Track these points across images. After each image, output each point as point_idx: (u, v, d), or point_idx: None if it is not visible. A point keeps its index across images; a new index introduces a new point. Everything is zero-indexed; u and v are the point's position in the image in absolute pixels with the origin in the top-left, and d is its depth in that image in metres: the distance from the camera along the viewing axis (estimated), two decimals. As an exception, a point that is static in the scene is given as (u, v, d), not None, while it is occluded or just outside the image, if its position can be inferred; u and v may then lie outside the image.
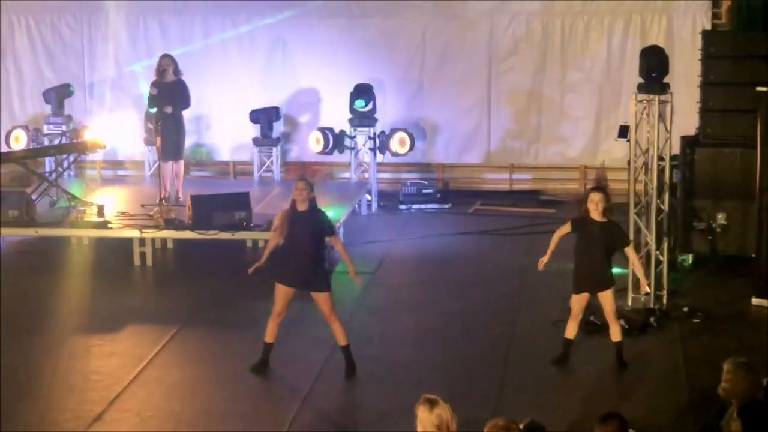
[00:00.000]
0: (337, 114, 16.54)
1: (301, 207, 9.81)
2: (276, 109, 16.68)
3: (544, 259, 10.31)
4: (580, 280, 10.33)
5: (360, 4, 16.95)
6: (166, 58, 14.65)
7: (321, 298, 9.91)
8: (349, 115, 16.27)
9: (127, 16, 17.26)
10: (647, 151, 11.91)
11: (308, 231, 9.84)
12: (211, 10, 17.13)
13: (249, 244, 14.02)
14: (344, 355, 10.08)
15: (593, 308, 10.92)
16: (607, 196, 10.19)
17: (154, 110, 14.62)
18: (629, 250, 10.54)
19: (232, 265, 13.36)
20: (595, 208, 10.11)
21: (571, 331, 10.37)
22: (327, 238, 10.08)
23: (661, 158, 11.90)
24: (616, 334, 10.33)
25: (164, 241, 13.92)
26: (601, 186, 10.54)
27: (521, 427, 6.51)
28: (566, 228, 10.31)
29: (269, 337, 10.10)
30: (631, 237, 11.79)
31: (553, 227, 11.36)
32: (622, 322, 11.03)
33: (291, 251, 9.86)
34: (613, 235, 10.19)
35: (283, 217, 9.88)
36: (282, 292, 9.96)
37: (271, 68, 17.13)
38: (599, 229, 10.14)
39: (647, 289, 11.34)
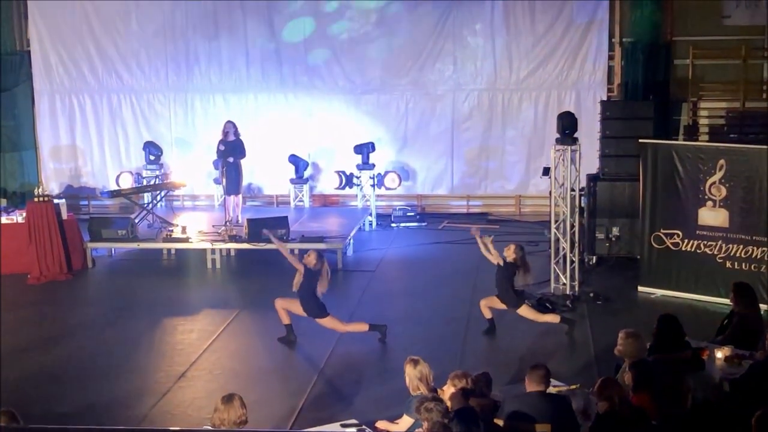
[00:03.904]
0: (348, 160, 16.45)
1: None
2: (305, 161, 16.55)
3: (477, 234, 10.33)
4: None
5: (363, 84, 16.88)
6: (229, 123, 14.57)
7: (325, 323, 9.87)
8: (357, 161, 16.22)
9: (200, 95, 17.22)
10: (563, 184, 11.89)
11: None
12: (260, 89, 17.05)
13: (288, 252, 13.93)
14: (375, 330, 10.02)
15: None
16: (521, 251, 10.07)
17: (221, 160, 14.57)
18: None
19: (277, 267, 13.21)
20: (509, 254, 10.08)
21: (486, 313, 10.30)
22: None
23: (572, 189, 11.88)
24: (553, 319, 10.27)
25: (228, 250, 13.83)
26: (518, 244, 10.27)
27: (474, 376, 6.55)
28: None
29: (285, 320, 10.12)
30: (552, 245, 11.80)
31: (497, 239, 11.30)
32: (548, 305, 11.00)
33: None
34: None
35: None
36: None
37: (303, 129, 17.05)
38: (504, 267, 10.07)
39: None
